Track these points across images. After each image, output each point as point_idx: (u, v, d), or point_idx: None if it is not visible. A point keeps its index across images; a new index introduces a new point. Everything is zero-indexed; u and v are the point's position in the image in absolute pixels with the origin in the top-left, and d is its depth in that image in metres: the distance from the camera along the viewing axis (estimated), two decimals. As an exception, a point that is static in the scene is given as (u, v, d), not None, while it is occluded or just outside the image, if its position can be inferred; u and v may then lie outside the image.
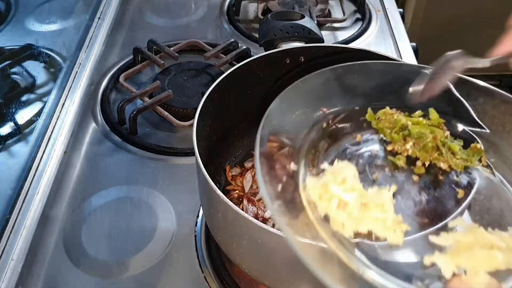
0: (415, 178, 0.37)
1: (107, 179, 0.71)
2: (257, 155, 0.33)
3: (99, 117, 0.81)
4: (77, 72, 0.85)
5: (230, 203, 0.42)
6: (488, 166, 0.39)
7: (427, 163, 0.38)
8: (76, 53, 0.88)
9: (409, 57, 0.91)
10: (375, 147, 0.39)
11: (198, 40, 0.94)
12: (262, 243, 0.43)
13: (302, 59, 0.61)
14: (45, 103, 0.78)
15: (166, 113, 0.78)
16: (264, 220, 0.58)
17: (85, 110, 0.81)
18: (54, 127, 0.75)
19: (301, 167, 0.37)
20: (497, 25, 0.46)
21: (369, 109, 0.40)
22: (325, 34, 0.94)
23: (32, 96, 0.80)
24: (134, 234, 0.63)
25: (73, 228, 0.64)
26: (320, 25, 0.98)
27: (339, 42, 0.97)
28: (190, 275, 0.59)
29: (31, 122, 0.75)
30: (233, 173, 0.64)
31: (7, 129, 0.73)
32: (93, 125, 0.80)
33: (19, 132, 0.74)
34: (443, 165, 0.38)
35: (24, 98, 0.80)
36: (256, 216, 0.59)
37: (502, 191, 0.37)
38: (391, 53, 0.93)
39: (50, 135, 0.74)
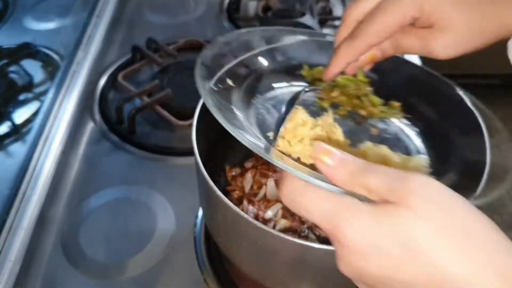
0: (337, 117, 0.44)
1: (105, 179, 0.70)
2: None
3: (97, 116, 0.80)
4: (75, 71, 0.84)
5: (230, 203, 0.41)
6: (407, 119, 0.46)
7: (348, 108, 0.44)
8: (74, 51, 0.87)
9: (411, 56, 0.90)
10: (309, 94, 0.46)
11: (198, 38, 0.93)
12: (262, 244, 0.43)
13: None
14: (42, 102, 0.77)
15: (165, 113, 0.78)
16: (265, 221, 0.58)
17: (83, 109, 0.81)
18: (51, 126, 0.74)
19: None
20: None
21: (305, 66, 0.47)
22: (326, 32, 0.93)
23: (30, 95, 0.80)
24: (133, 235, 0.63)
25: (71, 228, 0.64)
26: (321, 23, 0.97)
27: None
28: (190, 276, 0.59)
29: (28, 121, 0.74)
30: (233, 174, 0.64)
31: (4, 128, 0.73)
32: (91, 124, 0.79)
33: (17, 132, 0.73)
34: (363, 112, 0.44)
35: (21, 97, 0.79)
36: (256, 217, 0.58)
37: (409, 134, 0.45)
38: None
39: (48, 135, 0.73)
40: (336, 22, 1.01)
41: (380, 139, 0.43)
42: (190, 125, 0.49)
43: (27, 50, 0.84)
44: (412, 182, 0.25)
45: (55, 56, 0.86)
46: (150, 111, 0.79)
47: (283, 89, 0.46)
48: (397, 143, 0.44)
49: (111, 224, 0.64)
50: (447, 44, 0.39)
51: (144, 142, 0.75)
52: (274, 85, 0.45)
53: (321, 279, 0.44)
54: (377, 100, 0.45)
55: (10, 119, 0.75)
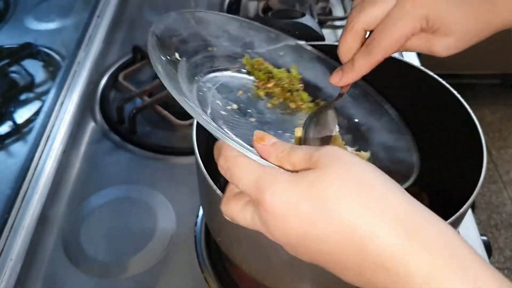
0: (270, 105, 0.48)
1: (106, 179, 0.70)
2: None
3: (98, 116, 0.80)
4: (76, 71, 0.84)
5: (230, 203, 0.41)
6: None
7: (280, 100, 0.49)
8: (75, 51, 0.87)
9: (411, 55, 0.91)
10: (246, 81, 0.50)
11: (198, 38, 0.93)
12: (262, 243, 0.43)
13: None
14: (43, 102, 0.77)
15: (165, 112, 0.78)
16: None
17: (84, 109, 0.81)
18: (53, 126, 0.75)
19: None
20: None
21: (246, 55, 0.50)
22: (326, 32, 0.94)
23: (31, 95, 0.80)
24: (133, 234, 0.63)
25: (72, 227, 0.64)
26: (321, 23, 0.98)
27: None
28: (190, 275, 0.59)
29: (29, 121, 0.74)
30: (233, 173, 0.64)
31: (5, 128, 0.73)
32: (92, 124, 0.79)
33: (18, 131, 0.73)
34: (292, 105, 0.49)
35: (22, 97, 0.79)
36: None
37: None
38: (392, 52, 0.92)
39: (49, 135, 0.73)
40: (336, 23, 1.01)
41: None
42: (191, 125, 0.49)
43: (28, 50, 0.84)
44: (323, 150, 0.29)
45: (56, 56, 0.86)
46: (151, 111, 0.79)
47: (224, 73, 0.49)
48: None
49: (112, 224, 0.64)
50: (448, 46, 0.41)
51: (145, 142, 0.76)
52: (218, 67, 0.48)
53: (321, 278, 0.44)
54: (306, 96, 0.49)
55: (12, 119, 0.75)
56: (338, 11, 1.05)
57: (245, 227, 0.31)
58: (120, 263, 0.60)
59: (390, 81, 0.59)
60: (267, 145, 0.31)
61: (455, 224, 0.45)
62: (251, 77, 0.49)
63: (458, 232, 0.62)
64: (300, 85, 0.49)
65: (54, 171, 0.69)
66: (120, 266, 0.60)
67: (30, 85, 0.80)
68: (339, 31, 1.00)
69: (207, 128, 0.33)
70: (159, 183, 0.69)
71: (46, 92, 0.79)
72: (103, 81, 0.87)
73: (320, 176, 0.27)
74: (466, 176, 0.46)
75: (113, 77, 0.87)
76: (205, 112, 0.42)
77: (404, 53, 0.91)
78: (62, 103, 0.78)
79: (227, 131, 0.41)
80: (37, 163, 0.69)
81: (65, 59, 0.86)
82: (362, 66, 0.42)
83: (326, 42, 0.71)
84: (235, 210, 0.31)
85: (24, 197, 0.65)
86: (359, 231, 0.25)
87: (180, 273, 0.59)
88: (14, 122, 0.75)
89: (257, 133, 0.32)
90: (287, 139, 0.45)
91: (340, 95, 0.46)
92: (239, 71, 0.49)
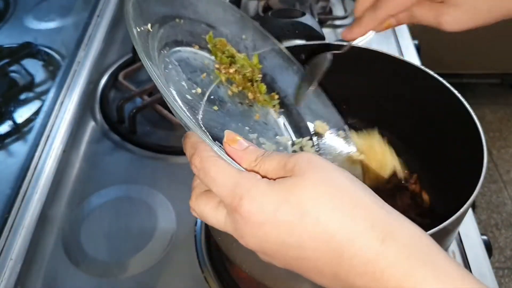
0: (230, 93, 0.48)
1: (106, 178, 0.70)
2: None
3: (98, 115, 0.80)
4: (76, 70, 0.84)
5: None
6: (281, 112, 0.52)
7: (240, 88, 0.48)
8: (75, 51, 0.87)
9: (411, 55, 0.91)
10: (208, 61, 0.49)
11: (198, 38, 0.93)
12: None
13: (303, 57, 0.60)
14: (43, 101, 0.77)
15: (165, 112, 0.78)
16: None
17: (84, 109, 0.81)
18: (53, 125, 0.75)
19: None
20: (499, 22, 0.46)
21: (210, 32, 0.49)
22: (326, 31, 0.93)
23: (31, 94, 0.80)
24: (134, 234, 0.63)
25: (72, 227, 0.64)
26: (321, 23, 0.97)
27: (340, 40, 0.96)
28: (190, 275, 0.59)
29: (29, 120, 0.74)
30: (233, 172, 0.64)
31: (5, 127, 0.73)
32: (92, 123, 0.79)
33: (18, 131, 0.73)
34: (250, 95, 0.49)
35: (22, 96, 0.79)
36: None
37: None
38: (393, 51, 0.92)
39: (49, 134, 0.73)
40: (336, 22, 1.01)
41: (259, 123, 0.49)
42: (191, 124, 0.49)
43: (28, 50, 0.84)
44: (297, 157, 0.28)
45: (56, 56, 0.86)
46: (151, 111, 0.79)
47: (187, 48, 0.48)
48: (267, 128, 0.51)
49: (112, 223, 0.64)
50: (456, 19, 0.43)
51: (145, 141, 0.76)
52: (182, 41, 0.47)
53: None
54: (263, 88, 0.50)
55: (11, 119, 0.75)
56: (338, 11, 1.05)
57: (214, 227, 0.31)
58: (120, 262, 0.60)
59: (390, 80, 0.59)
60: (238, 150, 0.30)
61: (456, 224, 0.45)
62: (213, 57, 0.49)
63: (459, 232, 0.62)
64: (260, 75, 0.50)
65: (54, 170, 0.69)
66: (120, 266, 0.60)
67: (30, 85, 0.80)
68: (339, 31, 0.99)
69: (189, 125, 0.32)
70: (159, 183, 0.69)
71: (46, 92, 0.79)
72: (103, 81, 0.87)
73: (297, 184, 0.27)
74: (466, 176, 0.46)
75: (113, 77, 0.87)
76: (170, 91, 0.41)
77: (404, 52, 0.91)
78: (62, 103, 0.78)
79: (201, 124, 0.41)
80: (37, 162, 0.69)
81: (65, 59, 0.86)
82: (368, 21, 0.46)
83: (327, 41, 0.72)
84: (205, 209, 0.31)
85: (24, 196, 0.65)
86: (336, 238, 0.26)
87: (180, 273, 0.59)
88: (14, 122, 0.74)
89: (228, 134, 0.31)
90: (246, 134, 0.46)
91: (347, 45, 0.51)
92: (201, 49, 0.49)
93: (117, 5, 1.02)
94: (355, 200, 0.27)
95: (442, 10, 0.43)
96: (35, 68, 0.81)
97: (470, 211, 0.64)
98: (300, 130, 0.54)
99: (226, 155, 0.30)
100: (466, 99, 0.51)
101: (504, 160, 1.84)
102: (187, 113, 0.33)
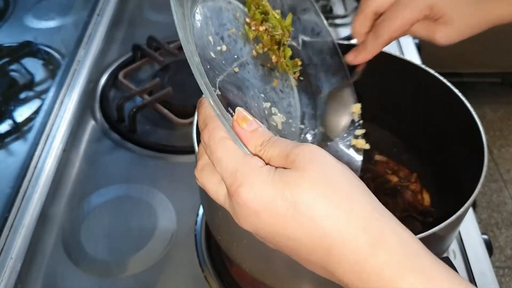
0: (254, 53, 0.46)
1: (106, 178, 0.70)
2: None
3: (98, 114, 0.80)
4: (76, 69, 0.84)
5: (230, 202, 0.41)
6: (299, 81, 0.50)
7: (265, 49, 0.47)
8: (75, 50, 0.87)
9: (412, 54, 0.90)
10: (240, 14, 0.48)
11: (198, 37, 0.93)
12: (263, 242, 0.42)
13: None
14: (43, 100, 0.77)
15: (165, 111, 0.78)
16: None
17: (84, 108, 0.81)
18: (52, 125, 0.74)
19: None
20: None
21: None
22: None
23: (31, 93, 0.80)
24: (134, 233, 0.63)
25: (72, 226, 0.64)
26: (321, 22, 0.97)
27: (341, 39, 0.96)
28: (190, 274, 0.59)
29: (29, 120, 0.74)
30: (234, 171, 0.64)
31: (5, 127, 0.73)
32: (92, 123, 0.79)
33: (18, 130, 0.73)
34: (274, 58, 0.48)
35: (22, 95, 0.79)
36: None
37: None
38: (393, 49, 0.92)
39: (49, 133, 0.73)
40: (337, 21, 1.01)
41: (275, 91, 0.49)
42: (191, 123, 0.49)
43: (28, 49, 0.84)
44: (300, 149, 0.29)
45: (56, 55, 0.86)
46: (151, 110, 0.79)
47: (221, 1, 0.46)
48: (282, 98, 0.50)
49: (112, 222, 0.64)
50: (448, 35, 0.46)
51: (145, 141, 0.76)
52: None
53: (321, 278, 0.44)
54: (289, 53, 0.48)
55: (11, 118, 0.75)
56: (339, 9, 1.05)
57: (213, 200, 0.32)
58: (120, 262, 0.60)
59: (391, 79, 0.58)
60: (246, 131, 0.31)
61: (456, 223, 0.45)
62: (246, 10, 0.47)
63: (459, 231, 0.62)
64: (289, 39, 0.48)
65: (54, 169, 0.69)
66: (120, 265, 0.60)
67: (30, 84, 0.80)
68: (340, 29, 0.99)
69: (210, 99, 0.31)
70: (159, 182, 0.69)
71: (46, 91, 0.79)
72: (103, 80, 0.87)
73: (295, 181, 0.28)
74: (467, 175, 0.46)
75: (113, 76, 0.87)
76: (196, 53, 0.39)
77: (405, 51, 0.91)
78: (62, 102, 0.78)
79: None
80: (37, 161, 0.69)
81: (65, 58, 0.86)
82: (373, 46, 0.48)
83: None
84: (209, 182, 0.32)
85: (24, 195, 0.65)
86: (329, 237, 0.27)
87: (180, 272, 0.59)
88: (14, 121, 0.74)
89: (239, 112, 0.31)
90: (259, 102, 0.45)
91: (356, 73, 0.50)
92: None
93: (117, 3, 1.02)
94: (351, 203, 0.27)
95: (435, 28, 0.46)
96: (35, 67, 0.81)
97: (470, 210, 0.64)
98: (315, 102, 0.53)
99: (234, 134, 0.31)
100: (466, 98, 0.51)
101: (504, 159, 1.84)
102: (209, 85, 0.32)
